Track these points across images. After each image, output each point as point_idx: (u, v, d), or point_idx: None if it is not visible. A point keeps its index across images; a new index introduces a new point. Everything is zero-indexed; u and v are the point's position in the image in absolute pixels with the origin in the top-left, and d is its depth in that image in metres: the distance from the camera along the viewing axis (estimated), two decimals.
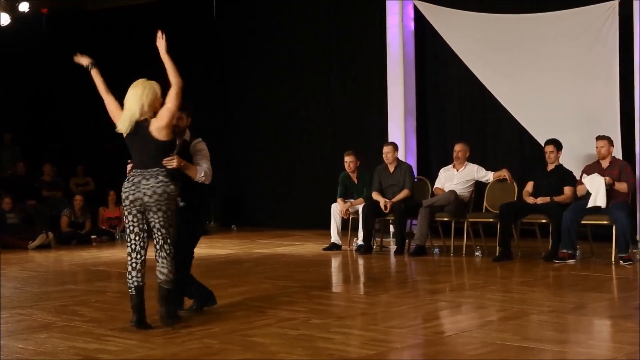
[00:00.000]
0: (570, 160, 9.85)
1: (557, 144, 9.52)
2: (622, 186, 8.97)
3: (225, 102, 14.60)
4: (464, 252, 9.70)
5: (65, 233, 12.48)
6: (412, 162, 11.74)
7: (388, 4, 12.04)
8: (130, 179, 5.74)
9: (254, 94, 14.13)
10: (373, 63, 12.51)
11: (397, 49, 11.96)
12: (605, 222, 8.94)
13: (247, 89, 14.19)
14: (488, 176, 10.12)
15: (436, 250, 10.07)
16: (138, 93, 5.73)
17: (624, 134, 10.05)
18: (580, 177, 9.25)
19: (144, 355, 5.09)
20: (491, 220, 9.69)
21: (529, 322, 5.88)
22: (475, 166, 10.22)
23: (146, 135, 5.71)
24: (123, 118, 5.76)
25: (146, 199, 5.65)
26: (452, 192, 9.89)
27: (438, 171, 10.54)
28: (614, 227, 8.80)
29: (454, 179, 10.14)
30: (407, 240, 10.10)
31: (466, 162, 10.22)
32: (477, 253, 9.63)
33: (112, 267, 9.61)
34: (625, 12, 10.09)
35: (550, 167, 9.55)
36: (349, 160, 10.65)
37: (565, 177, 9.46)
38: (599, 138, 9.26)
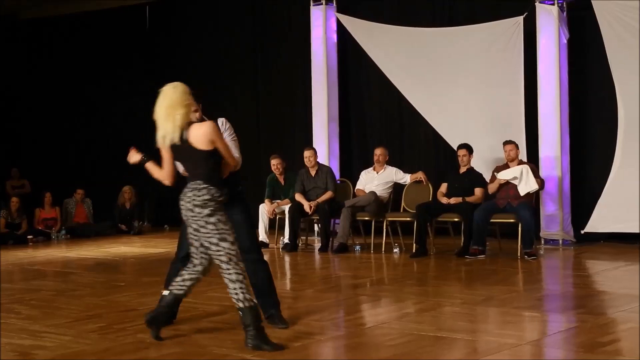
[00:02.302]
0: (481, 163, 10.02)
1: (468, 148, 9.68)
2: (538, 182, 9.15)
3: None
4: (383, 249, 9.77)
5: (2, 234, 12.15)
6: (335, 165, 11.79)
7: (312, 17, 12.07)
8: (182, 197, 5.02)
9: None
10: (298, 72, 12.51)
11: (321, 59, 11.99)
12: (511, 221, 9.12)
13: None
14: (405, 178, 10.23)
15: (357, 247, 10.11)
16: (170, 114, 4.93)
17: (528, 139, 10.28)
18: (492, 177, 9.40)
19: (79, 350, 4.99)
20: (408, 219, 9.79)
21: (442, 314, 5.96)
22: (394, 169, 10.31)
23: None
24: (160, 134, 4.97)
25: (190, 229, 4.99)
26: (373, 193, 9.96)
27: (359, 173, 10.61)
28: (519, 225, 8.98)
29: (374, 180, 10.22)
30: (330, 239, 10.13)
31: (385, 165, 10.31)
32: (395, 250, 9.71)
33: (47, 266, 9.40)
34: (529, 27, 10.32)
35: (463, 169, 9.69)
36: (275, 163, 10.64)
37: (476, 179, 9.61)
38: (506, 143, 9.45)
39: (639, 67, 9.66)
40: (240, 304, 4.85)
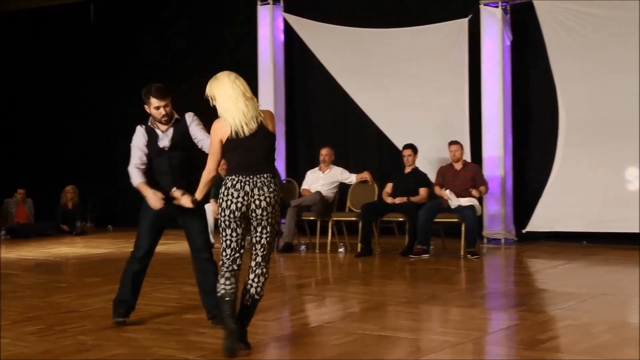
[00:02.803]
0: (425, 163, 10.10)
1: (413, 149, 9.74)
2: (482, 190, 9.26)
3: (112, 107, 14.19)
4: (328, 249, 9.78)
5: None
6: (281, 165, 11.77)
7: (259, 16, 12.04)
8: (233, 185, 4.74)
9: (128, 101, 13.78)
10: (245, 72, 12.34)
11: (268, 58, 11.97)
12: (455, 220, 9.21)
13: (123, 96, 13.85)
14: (351, 178, 10.25)
15: (303, 247, 10.11)
16: (248, 102, 4.79)
17: (472, 139, 10.40)
18: (437, 181, 9.46)
19: (17, 353, 4.87)
20: (354, 218, 9.82)
21: (387, 313, 5.98)
22: (340, 169, 10.33)
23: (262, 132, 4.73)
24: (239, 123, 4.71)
25: (260, 211, 4.70)
26: (318, 192, 9.97)
27: (305, 173, 10.60)
28: (462, 225, 9.08)
29: (320, 180, 10.22)
30: (276, 238, 10.09)
31: (331, 165, 10.32)
32: (340, 249, 9.74)
33: None
34: (474, 29, 10.44)
35: (408, 169, 9.75)
36: (222, 164, 10.54)
37: (420, 179, 9.68)
38: (452, 143, 9.54)
39: (579, 69, 9.85)
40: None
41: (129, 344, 5.05)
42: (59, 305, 6.44)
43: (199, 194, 5.08)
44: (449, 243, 9.64)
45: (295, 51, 12.14)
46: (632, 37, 9.57)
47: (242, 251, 4.82)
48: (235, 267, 4.80)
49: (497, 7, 10.28)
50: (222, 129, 4.78)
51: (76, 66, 14.40)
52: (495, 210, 10.24)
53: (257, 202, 4.70)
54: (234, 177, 4.74)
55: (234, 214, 4.71)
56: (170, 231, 5.67)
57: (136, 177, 5.44)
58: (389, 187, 9.77)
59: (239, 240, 4.79)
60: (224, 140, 4.79)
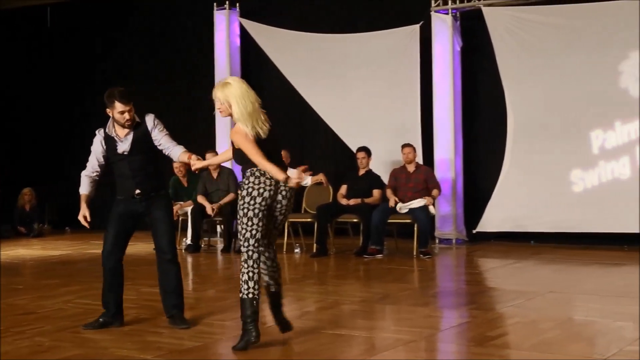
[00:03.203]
0: (379, 165, 10.15)
1: (367, 151, 9.78)
2: (435, 194, 9.33)
3: (67, 109, 14.01)
4: (284, 249, 9.76)
5: None
6: (238, 167, 11.70)
7: (216, 21, 11.99)
8: (263, 174, 4.84)
9: (85, 103, 13.62)
10: (202, 76, 12.38)
11: (224, 62, 11.93)
12: (408, 221, 9.27)
13: (79, 100, 13.67)
14: (306, 180, 10.20)
15: None
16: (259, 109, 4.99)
17: (424, 142, 10.48)
18: (390, 184, 9.51)
19: None
20: (309, 220, 9.82)
21: (342, 312, 5.99)
22: (295, 171, 10.29)
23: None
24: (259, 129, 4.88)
25: (285, 202, 4.97)
26: None
27: None
28: (415, 226, 9.14)
29: None
30: (233, 239, 10.06)
31: (287, 167, 10.29)
32: (296, 250, 9.73)
33: None
34: (425, 35, 10.52)
35: (362, 172, 9.79)
36: (178, 166, 10.50)
37: (374, 181, 9.72)
38: (405, 145, 9.59)
39: (526, 73, 9.99)
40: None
41: (86, 345, 4.99)
42: (16, 307, 6.33)
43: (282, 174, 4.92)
44: (402, 243, 9.70)
45: (252, 55, 12.11)
46: (575, 43, 9.75)
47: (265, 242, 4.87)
48: (267, 263, 4.95)
49: (447, 14, 10.39)
50: (248, 134, 4.84)
51: (33, 69, 14.19)
52: (446, 211, 10.34)
53: (283, 192, 4.93)
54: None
55: (265, 201, 4.80)
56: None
57: (83, 187, 5.48)
58: (343, 188, 9.79)
59: (264, 232, 4.83)
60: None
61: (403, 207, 9.12)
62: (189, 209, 10.21)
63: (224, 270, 8.89)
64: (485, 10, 10.14)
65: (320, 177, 10.19)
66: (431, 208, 9.21)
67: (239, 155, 4.93)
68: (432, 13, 10.45)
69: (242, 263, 4.76)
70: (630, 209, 9.36)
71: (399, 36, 10.72)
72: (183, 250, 10.08)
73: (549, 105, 9.90)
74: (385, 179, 9.74)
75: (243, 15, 11.94)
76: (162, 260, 5.43)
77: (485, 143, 10.68)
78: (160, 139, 5.46)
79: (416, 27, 10.56)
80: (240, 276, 4.77)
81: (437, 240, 10.36)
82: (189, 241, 10.13)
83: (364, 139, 10.22)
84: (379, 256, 9.08)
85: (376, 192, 9.58)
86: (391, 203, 9.21)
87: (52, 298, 6.53)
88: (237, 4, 11.97)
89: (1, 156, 14.20)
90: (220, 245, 10.28)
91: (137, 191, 5.35)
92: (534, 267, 8.37)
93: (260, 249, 4.80)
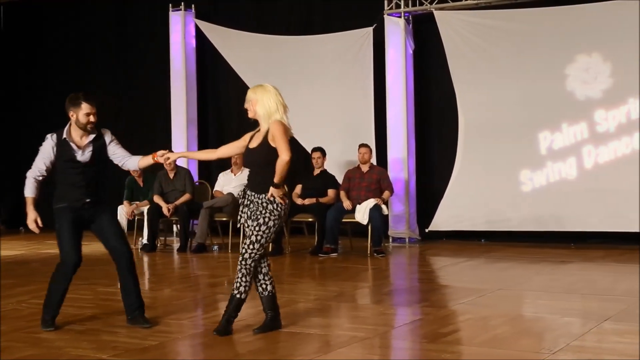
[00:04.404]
0: (334, 165, 10.18)
1: (322, 151, 9.80)
2: (386, 196, 9.38)
3: (20, 109, 13.76)
4: (241, 249, 9.70)
5: None
6: (194, 167, 11.65)
7: (171, 22, 11.90)
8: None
9: (40, 105, 13.39)
10: (158, 77, 12.27)
11: (180, 63, 11.85)
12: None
13: (37, 100, 13.43)
14: None
15: (215, 247, 10.04)
16: None
17: (378, 142, 10.53)
18: (343, 185, 9.52)
19: None
20: None
21: (297, 310, 5.98)
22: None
23: None
24: None
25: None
26: (230, 194, 9.91)
27: (217, 175, 10.53)
28: (369, 225, 9.17)
29: (232, 182, 10.17)
30: (189, 239, 9.99)
31: (243, 168, 10.26)
32: None
33: None
34: (378, 37, 10.58)
35: (317, 171, 9.80)
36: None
37: (329, 180, 9.74)
38: (361, 145, 9.63)
39: (476, 76, 10.11)
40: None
41: (41, 344, 4.91)
42: None
43: (278, 179, 4.98)
44: (356, 242, 9.73)
45: (207, 56, 12.05)
46: (524, 47, 9.90)
47: None
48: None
49: (400, 17, 10.45)
50: (288, 130, 5.12)
51: None
52: (399, 211, 10.40)
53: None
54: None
55: (282, 219, 5.10)
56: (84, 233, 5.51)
57: (29, 189, 5.37)
58: (298, 188, 9.79)
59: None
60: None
61: (361, 219, 9.12)
62: (145, 209, 10.12)
63: (180, 270, 8.82)
64: (437, 14, 10.23)
65: None
66: (384, 207, 9.26)
67: (263, 153, 4.98)
68: (385, 16, 10.50)
69: (242, 262, 5.01)
70: (577, 208, 9.53)
71: (353, 38, 10.75)
72: (139, 250, 9.98)
73: (499, 107, 10.03)
74: (340, 178, 9.76)
75: (198, 16, 11.87)
76: (121, 261, 5.35)
77: (437, 144, 10.77)
78: (117, 152, 5.47)
79: (370, 30, 10.60)
80: (239, 274, 5.01)
81: (390, 239, 10.42)
82: (145, 240, 10.04)
83: (319, 140, 10.23)
84: (334, 255, 9.10)
85: (331, 192, 9.60)
86: (346, 206, 9.23)
87: (7, 298, 6.41)
88: (193, 5, 11.89)
89: None
90: (176, 245, 10.19)
91: (87, 200, 5.29)
92: (484, 265, 8.47)
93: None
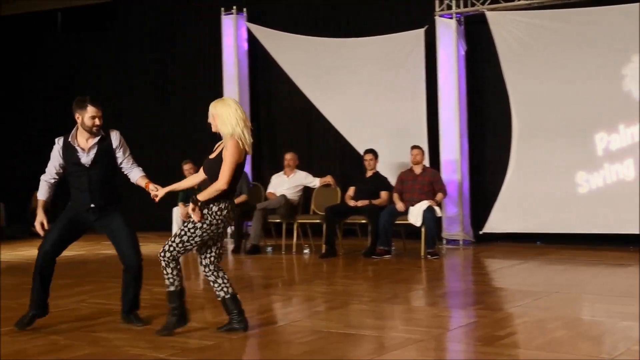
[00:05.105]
0: (386, 167, 10.13)
1: (374, 153, 9.77)
2: (439, 198, 9.32)
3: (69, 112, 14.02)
4: (294, 250, 9.76)
5: None
6: (247, 169, 11.70)
7: (223, 26, 12.00)
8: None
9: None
10: (210, 80, 12.38)
11: (232, 67, 11.93)
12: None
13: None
14: (315, 182, 10.25)
15: (269, 249, 10.08)
16: None
17: (430, 144, 10.46)
18: (397, 187, 9.48)
19: None
20: (318, 221, 9.80)
21: (351, 311, 5.97)
22: (304, 173, 10.32)
23: None
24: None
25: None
26: (283, 196, 9.95)
27: (270, 177, 10.57)
28: (422, 227, 9.11)
29: (285, 184, 10.20)
30: (243, 240, 10.05)
31: (295, 169, 10.31)
32: (305, 251, 9.72)
33: None
34: (430, 39, 10.50)
35: (369, 173, 9.78)
36: (188, 168, 10.53)
37: (381, 182, 9.71)
38: (414, 147, 9.59)
39: (529, 76, 9.97)
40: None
41: (100, 343, 4.99)
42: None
43: (202, 197, 5.02)
44: (410, 244, 9.67)
45: (259, 59, 12.11)
46: (578, 47, 9.71)
47: None
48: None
49: (451, 18, 10.37)
50: (242, 152, 5.07)
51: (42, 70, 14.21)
52: (453, 213, 10.30)
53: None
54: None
55: (218, 229, 5.11)
56: (138, 234, 5.57)
57: (41, 192, 5.48)
58: (351, 190, 9.78)
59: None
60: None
61: (415, 221, 9.07)
62: None
63: (234, 271, 8.86)
64: (489, 15, 10.11)
65: (328, 179, 10.20)
66: (437, 209, 9.19)
67: (216, 167, 5.05)
68: (437, 17, 10.42)
69: (161, 254, 5.06)
70: (635, 210, 9.32)
71: (404, 40, 10.70)
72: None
73: (553, 108, 9.87)
74: (392, 180, 9.72)
75: (250, 19, 11.94)
76: (129, 269, 5.44)
77: (490, 145, 10.65)
78: (124, 159, 5.49)
79: (421, 32, 10.53)
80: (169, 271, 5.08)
81: (444, 241, 10.33)
82: None
83: (371, 142, 10.21)
84: (387, 257, 9.06)
85: (383, 194, 9.56)
86: (399, 208, 9.18)
87: (66, 298, 6.52)
88: (244, 9, 11.97)
89: (16, 156, 14.23)
90: (231, 247, 10.26)
91: (92, 205, 5.35)
92: (540, 268, 8.34)
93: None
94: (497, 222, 10.12)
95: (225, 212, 5.03)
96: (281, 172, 10.40)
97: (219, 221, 5.02)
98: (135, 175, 5.52)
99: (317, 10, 11.88)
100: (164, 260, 5.06)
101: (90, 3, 13.67)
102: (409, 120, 10.65)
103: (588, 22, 9.67)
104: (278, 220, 10.00)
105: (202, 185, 5.19)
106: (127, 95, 13.18)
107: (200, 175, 5.33)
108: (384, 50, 10.87)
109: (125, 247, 5.40)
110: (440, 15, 10.42)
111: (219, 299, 5.21)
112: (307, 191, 10.30)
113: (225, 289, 5.17)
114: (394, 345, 4.82)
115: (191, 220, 5.03)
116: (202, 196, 4.98)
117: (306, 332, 5.16)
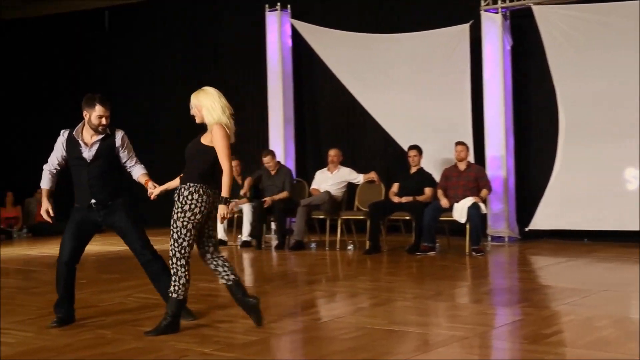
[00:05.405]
0: (430, 164, 10.06)
1: (419, 149, 9.71)
2: (484, 194, 9.24)
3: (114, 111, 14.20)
4: (337, 247, 9.75)
5: None
6: (291, 165, 11.75)
7: (267, 22, 12.03)
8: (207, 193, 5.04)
9: (140, 105, 13.77)
10: (254, 76, 12.44)
11: (276, 63, 11.96)
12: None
13: (136, 100, 13.81)
14: (358, 178, 10.23)
15: (313, 245, 10.09)
16: None
17: (475, 140, 10.36)
18: (441, 184, 9.42)
19: (40, 346, 4.88)
20: (362, 217, 9.78)
21: (395, 308, 5.95)
22: (347, 169, 10.31)
23: None
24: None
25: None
26: (327, 192, 9.95)
27: (314, 174, 10.58)
28: (467, 224, 9.03)
29: (328, 180, 10.20)
30: (287, 236, 10.08)
31: (339, 166, 10.30)
32: (349, 247, 9.71)
33: (9, 264, 9.20)
34: (475, 34, 10.40)
35: (413, 170, 9.73)
36: (234, 165, 10.57)
37: (425, 179, 9.65)
38: (458, 143, 9.51)
39: (576, 71, 9.80)
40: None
41: (146, 338, 5.04)
42: (78, 300, 6.37)
43: (225, 193, 5.02)
44: (454, 241, 9.60)
45: (303, 56, 12.12)
46: (626, 41, 9.51)
47: None
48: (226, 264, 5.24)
49: (497, 12, 10.24)
50: (229, 137, 5.12)
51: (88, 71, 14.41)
52: (498, 209, 10.19)
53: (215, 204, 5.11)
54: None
55: (203, 216, 5.04)
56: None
57: (44, 181, 5.60)
58: (395, 186, 9.74)
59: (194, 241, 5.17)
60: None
61: (459, 217, 9.00)
62: (244, 206, 10.27)
63: (278, 267, 8.92)
64: (535, 9, 9.97)
65: (372, 175, 10.17)
66: (482, 206, 9.10)
67: (194, 149, 5.10)
68: (482, 12, 10.31)
69: (170, 263, 5.04)
70: None
71: (449, 35, 10.61)
72: (239, 246, 10.14)
73: (601, 103, 9.69)
74: (436, 177, 9.66)
75: (294, 16, 11.96)
76: (145, 261, 5.48)
77: (536, 141, 10.51)
78: (127, 158, 5.56)
79: (466, 27, 10.43)
80: (176, 278, 5.06)
81: (489, 238, 10.23)
82: (244, 237, 10.19)
83: (415, 138, 10.15)
84: (431, 253, 9.01)
85: (428, 190, 9.50)
86: (444, 204, 9.12)
87: (112, 292, 6.61)
88: (288, 5, 11.98)
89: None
90: (274, 242, 10.30)
91: (93, 201, 5.40)
92: (587, 265, 8.22)
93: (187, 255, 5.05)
94: (544, 218, 9.98)
95: (197, 195, 4.99)
96: (325, 169, 10.40)
97: (193, 205, 4.98)
98: (137, 172, 5.60)
99: (360, 6, 11.84)
100: (174, 268, 5.08)
101: (134, 2, 13.82)
102: (454, 116, 10.56)
103: (637, 15, 9.46)
104: (322, 217, 10.01)
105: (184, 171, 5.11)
106: (170, 92, 13.29)
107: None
108: (429, 46, 10.80)
109: (132, 243, 5.49)
110: (486, 10, 10.31)
111: (226, 284, 5.20)
112: (351, 187, 10.29)
113: (226, 277, 5.18)
114: (438, 343, 4.78)
115: (172, 217, 5.02)
116: (225, 192, 4.99)
117: (350, 329, 5.15)
